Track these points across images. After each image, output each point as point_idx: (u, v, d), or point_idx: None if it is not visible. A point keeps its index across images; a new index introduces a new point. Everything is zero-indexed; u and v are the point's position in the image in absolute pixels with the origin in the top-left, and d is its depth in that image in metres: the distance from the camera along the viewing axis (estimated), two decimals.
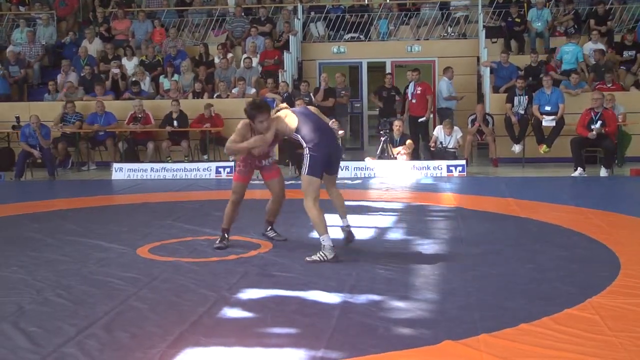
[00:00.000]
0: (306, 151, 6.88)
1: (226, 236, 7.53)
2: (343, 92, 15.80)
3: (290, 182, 12.99)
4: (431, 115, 16.25)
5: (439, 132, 14.64)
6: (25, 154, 14.54)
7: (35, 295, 5.82)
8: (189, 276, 6.29)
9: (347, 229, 7.41)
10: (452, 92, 15.95)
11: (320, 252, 6.79)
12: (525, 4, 18.42)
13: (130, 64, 17.86)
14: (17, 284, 6.18)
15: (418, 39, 18.62)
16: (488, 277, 6.14)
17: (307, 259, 6.80)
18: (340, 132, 8.86)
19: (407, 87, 16.57)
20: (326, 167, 6.98)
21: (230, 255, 7.10)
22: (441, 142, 14.48)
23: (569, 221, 8.48)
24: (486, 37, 17.52)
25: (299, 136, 6.97)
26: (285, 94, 15.85)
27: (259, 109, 7.21)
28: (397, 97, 16.53)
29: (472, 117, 15.22)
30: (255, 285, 6.01)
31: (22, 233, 8.55)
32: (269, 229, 7.86)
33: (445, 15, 18.86)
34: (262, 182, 7.86)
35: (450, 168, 13.61)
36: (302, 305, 5.47)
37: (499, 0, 18.69)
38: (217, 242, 7.52)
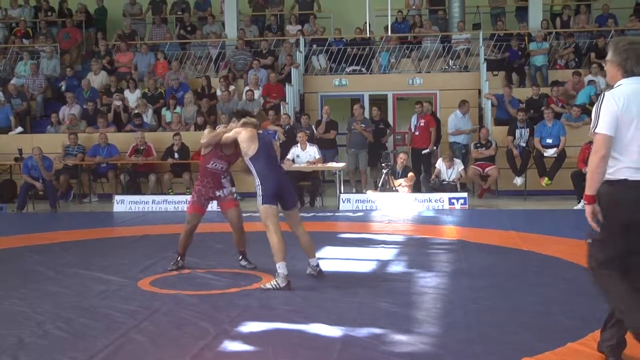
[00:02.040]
0: (257, 182, 7.20)
1: (179, 259, 8.07)
2: (363, 125, 15.73)
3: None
4: (434, 148, 16.28)
5: (440, 165, 14.67)
6: (28, 185, 14.57)
7: (36, 328, 5.80)
8: (190, 309, 6.27)
9: (316, 269, 7.50)
10: (460, 127, 15.90)
11: (274, 281, 7.03)
12: (526, 37, 18.55)
13: (132, 96, 17.95)
14: (18, 316, 6.17)
15: (419, 72, 18.72)
16: (490, 311, 6.12)
17: (262, 286, 7.04)
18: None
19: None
20: (279, 200, 7.26)
21: (231, 287, 7.09)
22: (442, 178, 14.49)
23: (572, 254, 8.46)
24: (487, 69, 17.62)
25: (252, 166, 7.28)
26: (287, 126, 15.91)
27: (243, 114, 7.59)
28: (387, 130, 16.57)
29: (475, 143, 15.29)
30: (256, 318, 5.99)
31: (24, 265, 8.55)
32: (240, 258, 8.11)
33: (446, 48, 18.98)
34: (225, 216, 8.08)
35: (452, 200, 13.61)
36: (304, 338, 5.45)
37: (499, 34, 18.82)
38: (172, 263, 8.02)
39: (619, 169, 4.54)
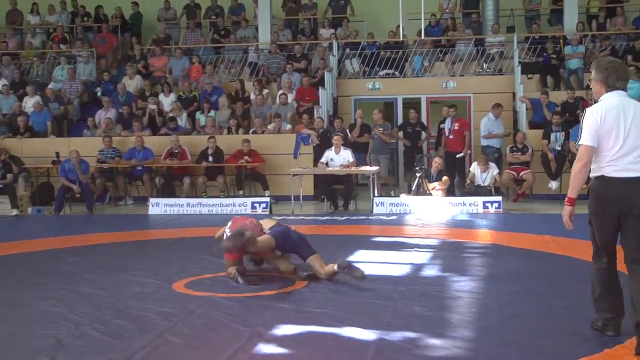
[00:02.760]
0: None
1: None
2: (382, 129, 15.68)
3: (325, 217, 13.03)
4: (469, 151, 16.21)
5: (474, 169, 14.59)
6: (65, 188, 14.73)
7: (73, 329, 5.86)
8: (224, 311, 6.30)
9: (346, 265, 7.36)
10: (492, 130, 15.81)
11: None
12: (561, 40, 18.39)
13: (167, 100, 18.08)
14: (55, 317, 6.24)
15: (453, 75, 18.65)
16: (525, 315, 6.07)
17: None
18: None
19: (441, 122, 16.57)
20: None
21: (265, 291, 7.10)
22: (476, 183, 14.41)
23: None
24: (522, 72, 17.50)
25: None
26: (321, 130, 15.93)
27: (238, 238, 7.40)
28: (423, 133, 16.53)
29: (511, 146, 15.20)
30: (290, 321, 6.00)
31: (61, 267, 8.64)
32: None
33: (480, 52, 18.88)
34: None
35: (487, 204, 13.52)
36: (338, 341, 5.45)
37: (534, 36, 18.68)
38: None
39: (599, 168, 5.22)
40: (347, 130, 16.08)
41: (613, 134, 5.17)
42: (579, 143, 5.27)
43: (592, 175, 5.31)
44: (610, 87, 5.31)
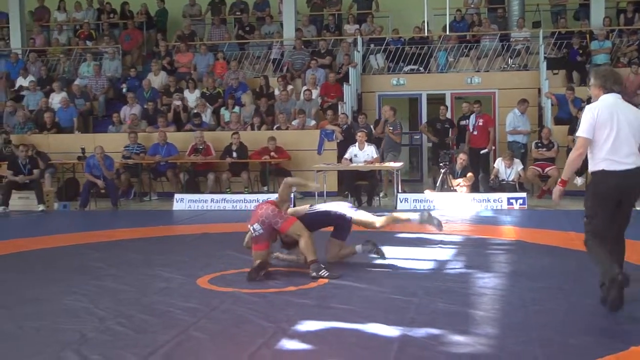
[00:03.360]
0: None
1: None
2: (391, 127, 15.58)
3: None
4: (493, 147, 16.13)
5: (499, 164, 14.52)
6: (90, 184, 14.83)
7: (97, 323, 5.91)
8: (248, 307, 6.31)
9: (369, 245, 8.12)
10: (518, 126, 15.70)
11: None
12: (588, 35, 18.23)
13: (191, 96, 18.15)
14: (80, 312, 6.29)
15: (478, 71, 18.57)
16: (550, 312, 6.03)
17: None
18: None
19: (461, 118, 16.51)
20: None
21: (288, 286, 7.11)
22: (501, 178, 14.34)
23: (634, 256, 8.28)
24: (547, 68, 17.38)
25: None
26: (345, 126, 15.93)
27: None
28: (451, 130, 16.48)
29: (536, 142, 15.09)
30: (313, 317, 6.00)
31: (86, 262, 8.71)
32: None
33: (505, 47, 18.76)
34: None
35: (511, 201, 13.46)
36: (361, 337, 5.44)
37: (560, 32, 18.53)
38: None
39: (598, 162, 6.08)
40: (372, 126, 16.06)
41: (607, 127, 6.03)
42: (577, 135, 6.21)
43: (591, 170, 6.17)
44: (607, 90, 6.21)
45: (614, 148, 6.02)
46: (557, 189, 6.42)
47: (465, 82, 18.36)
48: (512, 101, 16.49)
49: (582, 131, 6.10)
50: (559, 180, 6.39)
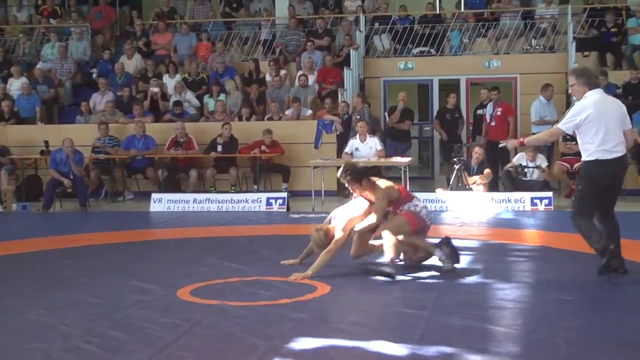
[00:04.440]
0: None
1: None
2: (358, 116, 15.35)
3: None
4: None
5: (520, 159, 14.48)
6: (55, 182, 14.80)
7: (63, 341, 5.89)
8: (236, 322, 6.31)
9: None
10: (545, 115, 15.68)
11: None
12: (624, 12, 18.22)
13: (171, 82, 18.12)
14: (45, 328, 6.27)
15: (497, 53, 18.57)
16: (579, 328, 6.03)
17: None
18: None
19: (477, 107, 16.51)
20: None
21: (282, 298, 7.10)
22: (524, 166, 14.32)
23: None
24: (577, 50, 17.37)
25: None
26: (346, 116, 15.93)
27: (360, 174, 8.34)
28: (460, 121, 16.49)
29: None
30: (311, 333, 5.99)
31: (50, 271, 8.69)
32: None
33: (528, 26, 18.76)
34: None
35: (535, 201, 13.46)
36: (364, 357, 5.44)
37: (592, 8, 18.52)
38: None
39: (591, 153, 7.61)
40: (386, 114, 16.04)
41: (597, 124, 7.53)
42: (559, 126, 7.84)
43: (585, 159, 7.71)
44: (592, 86, 7.67)
45: (604, 140, 7.55)
46: (513, 141, 8.67)
47: (483, 66, 18.35)
48: (535, 88, 16.49)
49: (564, 125, 7.74)
50: (522, 139, 8.25)
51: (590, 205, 7.74)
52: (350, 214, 8.16)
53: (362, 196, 8.29)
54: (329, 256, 7.90)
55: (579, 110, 7.59)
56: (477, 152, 14.46)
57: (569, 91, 8.33)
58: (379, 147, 14.40)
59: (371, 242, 8.47)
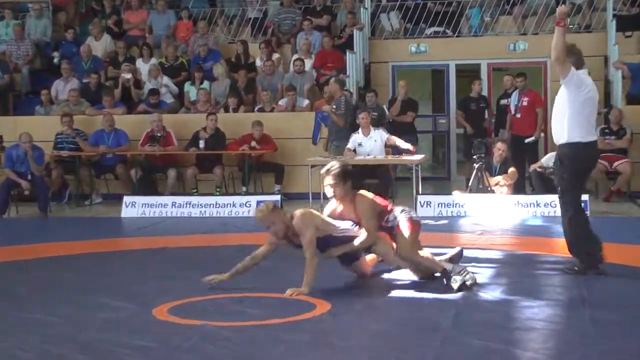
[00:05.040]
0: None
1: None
2: (334, 106, 15.16)
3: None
4: (542, 135, 16.12)
5: (550, 158, 14.41)
6: (10, 183, 14.78)
7: None
8: (221, 345, 6.30)
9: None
10: None
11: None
12: None
13: (146, 68, 18.11)
14: None
15: (524, 34, 18.57)
16: (620, 352, 6.03)
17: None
18: None
19: (501, 96, 16.49)
20: None
21: (274, 318, 7.09)
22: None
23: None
24: (617, 29, 17.36)
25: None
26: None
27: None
28: (487, 111, 16.49)
29: (602, 127, 15.03)
30: (306, 357, 6.00)
31: (5, 287, 8.69)
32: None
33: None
34: None
35: None
36: None
37: None
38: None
39: (584, 135, 8.43)
40: (385, 107, 16.05)
41: (593, 104, 8.54)
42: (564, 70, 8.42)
43: (577, 141, 8.42)
44: (579, 66, 8.50)
45: (592, 121, 8.64)
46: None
47: (507, 48, 18.36)
48: None
49: (572, 69, 8.44)
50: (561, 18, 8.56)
51: (579, 197, 8.58)
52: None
53: (341, 203, 8.36)
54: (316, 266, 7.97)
55: (581, 81, 8.45)
56: (500, 149, 14.39)
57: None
58: (386, 136, 14.33)
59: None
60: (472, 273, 8.23)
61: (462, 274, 8.07)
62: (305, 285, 7.84)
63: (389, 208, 8.44)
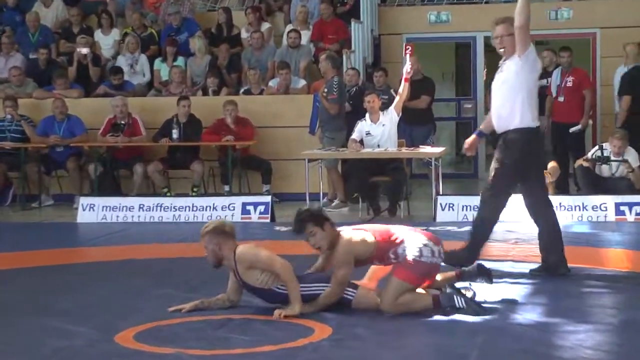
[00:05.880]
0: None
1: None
2: (326, 90, 15.24)
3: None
4: (590, 122, 16.11)
5: (604, 148, 14.41)
6: None
7: None
8: None
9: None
10: None
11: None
12: None
13: (106, 41, 18.10)
14: None
15: (568, 0, 18.57)
16: None
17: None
18: None
19: (540, 76, 16.43)
20: None
21: (264, 345, 7.09)
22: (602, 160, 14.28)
23: None
24: None
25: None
26: (354, 88, 15.89)
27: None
28: None
29: None
30: None
31: None
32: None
33: None
34: None
35: (622, 208, 13.44)
36: None
37: None
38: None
39: (535, 120, 9.29)
40: (392, 91, 16.01)
41: (537, 84, 9.62)
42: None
43: (530, 126, 9.18)
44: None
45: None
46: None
47: (547, 17, 18.38)
48: (621, 48, 16.49)
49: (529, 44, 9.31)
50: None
51: (511, 190, 9.40)
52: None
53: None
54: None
55: (536, 58, 9.40)
56: None
57: (493, 43, 9.82)
58: (397, 118, 14.22)
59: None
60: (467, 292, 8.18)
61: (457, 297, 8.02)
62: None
63: (397, 240, 8.07)
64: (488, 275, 8.38)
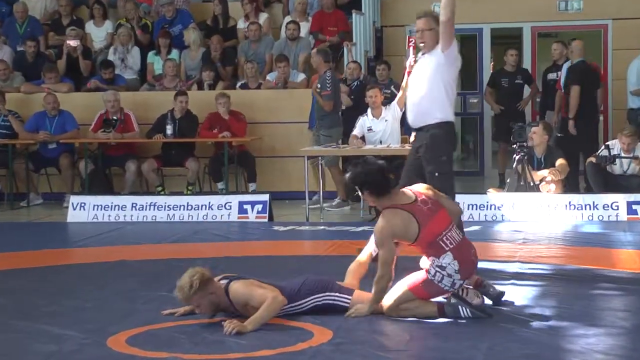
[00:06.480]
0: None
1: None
2: (319, 85, 15.13)
3: (362, 228, 12.97)
4: (601, 117, 16.09)
5: (612, 146, 14.41)
6: None
7: None
8: None
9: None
10: None
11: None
12: None
13: (98, 33, 18.10)
14: None
15: None
16: None
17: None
18: None
19: (548, 69, 16.48)
20: None
21: (261, 349, 7.09)
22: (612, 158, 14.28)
23: None
24: None
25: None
26: (356, 83, 15.89)
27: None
28: (526, 88, 16.49)
29: None
30: None
31: None
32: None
33: None
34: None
35: (634, 207, 13.43)
36: None
37: None
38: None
39: (450, 113, 9.45)
40: (393, 88, 15.99)
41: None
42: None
43: (448, 120, 9.40)
44: None
45: None
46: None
47: (557, 7, 18.36)
48: (635, 40, 16.49)
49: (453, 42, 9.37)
50: None
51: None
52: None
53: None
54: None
55: (457, 53, 9.43)
56: (535, 132, 14.19)
57: (417, 38, 9.84)
58: (400, 113, 14.19)
59: None
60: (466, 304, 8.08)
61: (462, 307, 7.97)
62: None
63: (444, 247, 7.85)
64: (464, 300, 7.97)
